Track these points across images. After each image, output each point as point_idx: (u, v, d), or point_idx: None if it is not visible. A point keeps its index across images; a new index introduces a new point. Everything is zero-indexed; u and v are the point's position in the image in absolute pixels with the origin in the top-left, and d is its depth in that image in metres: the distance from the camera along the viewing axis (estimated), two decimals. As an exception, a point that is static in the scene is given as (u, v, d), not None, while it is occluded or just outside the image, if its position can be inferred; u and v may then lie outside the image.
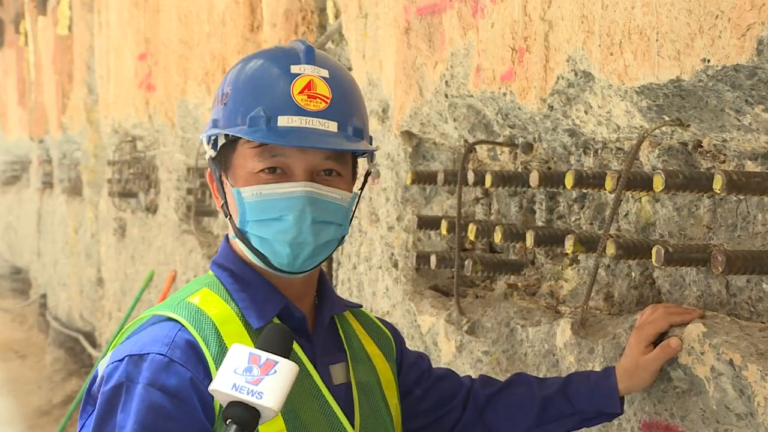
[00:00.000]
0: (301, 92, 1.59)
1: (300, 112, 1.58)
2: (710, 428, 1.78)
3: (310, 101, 1.59)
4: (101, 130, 7.74)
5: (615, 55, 1.86)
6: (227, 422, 1.39)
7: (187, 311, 1.58)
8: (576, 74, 2.01)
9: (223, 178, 1.64)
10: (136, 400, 1.49)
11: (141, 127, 6.46)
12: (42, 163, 11.03)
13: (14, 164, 13.92)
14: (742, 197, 1.83)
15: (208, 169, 1.70)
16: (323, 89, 1.60)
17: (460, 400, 1.90)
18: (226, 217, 1.65)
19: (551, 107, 2.15)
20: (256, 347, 1.45)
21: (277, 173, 1.59)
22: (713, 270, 1.73)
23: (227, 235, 1.73)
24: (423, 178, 2.67)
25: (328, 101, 1.60)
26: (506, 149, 2.52)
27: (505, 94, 2.29)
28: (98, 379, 1.57)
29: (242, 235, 1.62)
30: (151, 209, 6.50)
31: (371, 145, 1.70)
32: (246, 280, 1.65)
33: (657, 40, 1.75)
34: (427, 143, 2.92)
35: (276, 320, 1.62)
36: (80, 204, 8.67)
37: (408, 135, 2.92)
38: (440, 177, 2.59)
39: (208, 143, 1.66)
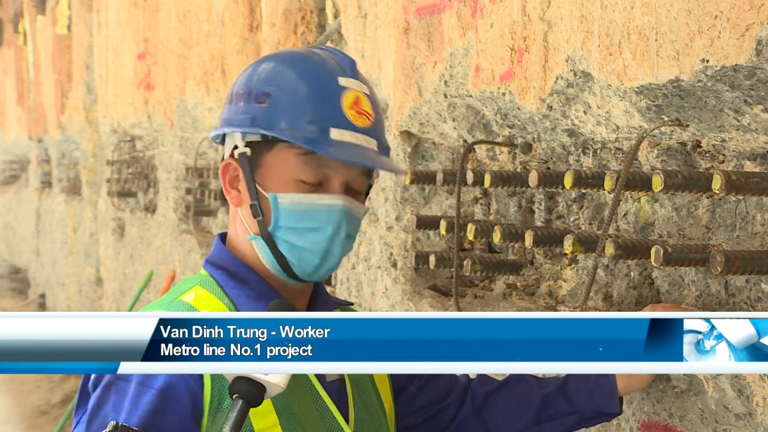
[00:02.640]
0: (350, 107, 1.61)
1: (351, 127, 1.60)
2: (709, 428, 1.78)
3: (359, 117, 1.61)
4: (100, 130, 7.74)
5: (614, 55, 1.87)
6: (233, 397, 1.41)
7: (179, 309, 1.59)
8: (575, 74, 2.01)
9: (256, 178, 1.64)
10: (127, 399, 1.52)
11: (140, 126, 6.46)
12: (41, 162, 11.03)
13: (13, 164, 13.91)
14: (741, 197, 1.83)
15: (225, 162, 1.68)
16: (367, 106, 1.63)
17: (456, 397, 1.90)
18: (256, 217, 1.63)
19: (550, 107, 2.15)
20: None
21: (316, 184, 1.61)
22: (712, 270, 1.73)
23: (219, 234, 1.74)
24: (422, 178, 2.67)
25: (372, 119, 1.63)
26: (505, 149, 2.52)
27: (504, 94, 2.29)
28: (92, 377, 1.58)
29: (270, 238, 1.62)
30: (150, 209, 6.50)
31: None
32: (241, 278, 1.66)
33: (656, 41, 1.75)
34: (426, 143, 2.92)
35: None
36: (79, 203, 8.67)
37: (407, 135, 2.92)
38: (439, 177, 2.59)
39: (242, 138, 1.65)
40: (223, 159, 1.71)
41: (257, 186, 1.63)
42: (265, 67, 1.66)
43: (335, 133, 1.58)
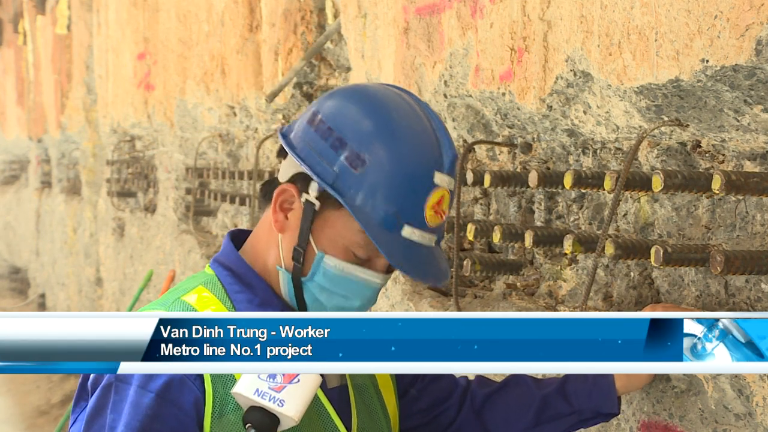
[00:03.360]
0: (432, 207, 1.57)
1: (424, 227, 1.56)
2: (709, 428, 1.78)
3: (435, 217, 1.57)
4: (100, 130, 7.74)
5: (614, 55, 1.87)
6: (246, 426, 1.41)
7: (181, 310, 1.58)
8: (575, 74, 2.01)
9: (313, 228, 1.59)
10: (127, 402, 1.51)
11: (140, 126, 6.46)
12: (41, 162, 11.03)
13: (13, 164, 13.91)
14: (740, 197, 1.83)
15: (284, 187, 1.62)
16: (446, 204, 1.59)
17: (456, 400, 1.90)
18: (295, 260, 1.60)
19: (550, 107, 2.15)
20: None
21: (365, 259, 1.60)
22: (712, 270, 1.73)
23: (229, 232, 1.72)
24: (422, 178, 2.66)
25: (445, 216, 1.60)
26: (505, 149, 2.53)
27: (504, 94, 2.29)
28: (92, 376, 1.58)
29: (299, 284, 1.61)
30: (150, 209, 6.50)
31: None
32: (246, 282, 1.65)
33: (656, 41, 1.75)
34: (426, 143, 2.92)
35: None
36: (79, 203, 8.67)
37: (407, 135, 2.92)
38: (439, 177, 2.59)
39: (317, 189, 1.57)
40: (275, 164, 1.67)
41: (311, 237, 1.59)
42: (371, 123, 1.57)
43: (407, 231, 1.55)
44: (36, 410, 7.57)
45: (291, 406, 1.42)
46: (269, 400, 1.42)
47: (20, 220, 12.38)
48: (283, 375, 1.44)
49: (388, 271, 1.62)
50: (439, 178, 1.57)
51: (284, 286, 1.64)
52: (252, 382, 1.43)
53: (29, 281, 11.78)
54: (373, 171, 1.54)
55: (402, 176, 1.54)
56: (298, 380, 1.44)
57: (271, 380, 1.43)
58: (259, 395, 1.42)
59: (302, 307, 1.63)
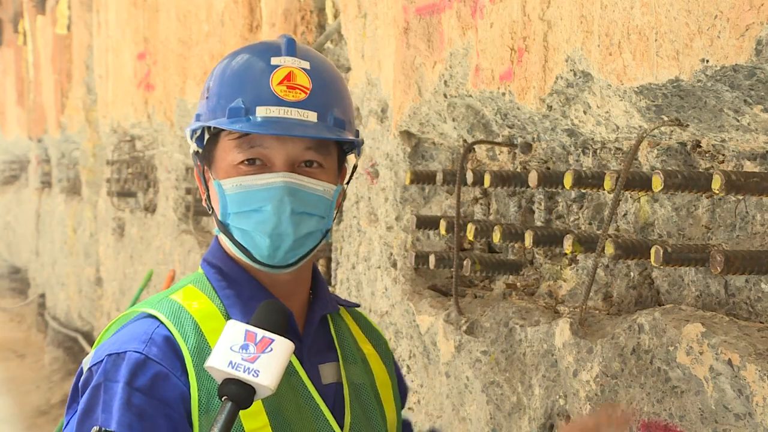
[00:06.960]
0: (280, 83, 1.59)
1: (278, 102, 1.58)
2: (709, 428, 1.78)
3: (290, 92, 1.59)
4: (100, 130, 7.73)
5: (614, 55, 1.87)
6: (222, 399, 1.40)
7: (168, 308, 1.59)
8: (575, 74, 2.01)
9: (206, 172, 1.65)
10: (116, 400, 1.51)
11: (140, 126, 6.46)
12: (41, 162, 11.03)
13: (13, 164, 13.91)
14: (740, 197, 1.83)
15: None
16: (303, 80, 1.61)
17: None
18: (209, 211, 1.67)
19: (550, 107, 2.15)
20: (251, 324, 1.46)
21: (257, 165, 1.60)
22: (712, 270, 1.73)
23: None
24: (422, 178, 2.67)
25: (308, 92, 1.60)
26: (505, 149, 2.53)
27: (504, 94, 2.29)
28: (83, 376, 1.58)
29: (225, 228, 1.63)
30: (150, 209, 6.50)
31: (357, 137, 1.69)
32: (232, 277, 1.65)
33: (656, 41, 1.75)
34: (426, 143, 2.92)
35: None
36: (79, 203, 8.67)
37: (407, 135, 2.92)
38: (439, 177, 2.59)
39: (192, 138, 1.67)
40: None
41: (207, 180, 1.65)
42: (216, 66, 1.69)
43: (261, 111, 1.57)
44: (36, 410, 7.58)
45: (266, 375, 1.41)
46: (244, 371, 1.41)
47: (20, 220, 12.38)
48: (256, 345, 1.43)
49: (298, 169, 1.60)
50: (278, 60, 1.62)
51: (227, 244, 1.65)
52: (225, 355, 1.42)
53: (29, 281, 11.78)
54: (215, 87, 1.64)
55: (235, 73, 1.62)
56: (271, 349, 1.43)
57: (244, 351, 1.42)
58: (233, 367, 1.41)
59: (245, 252, 1.61)
